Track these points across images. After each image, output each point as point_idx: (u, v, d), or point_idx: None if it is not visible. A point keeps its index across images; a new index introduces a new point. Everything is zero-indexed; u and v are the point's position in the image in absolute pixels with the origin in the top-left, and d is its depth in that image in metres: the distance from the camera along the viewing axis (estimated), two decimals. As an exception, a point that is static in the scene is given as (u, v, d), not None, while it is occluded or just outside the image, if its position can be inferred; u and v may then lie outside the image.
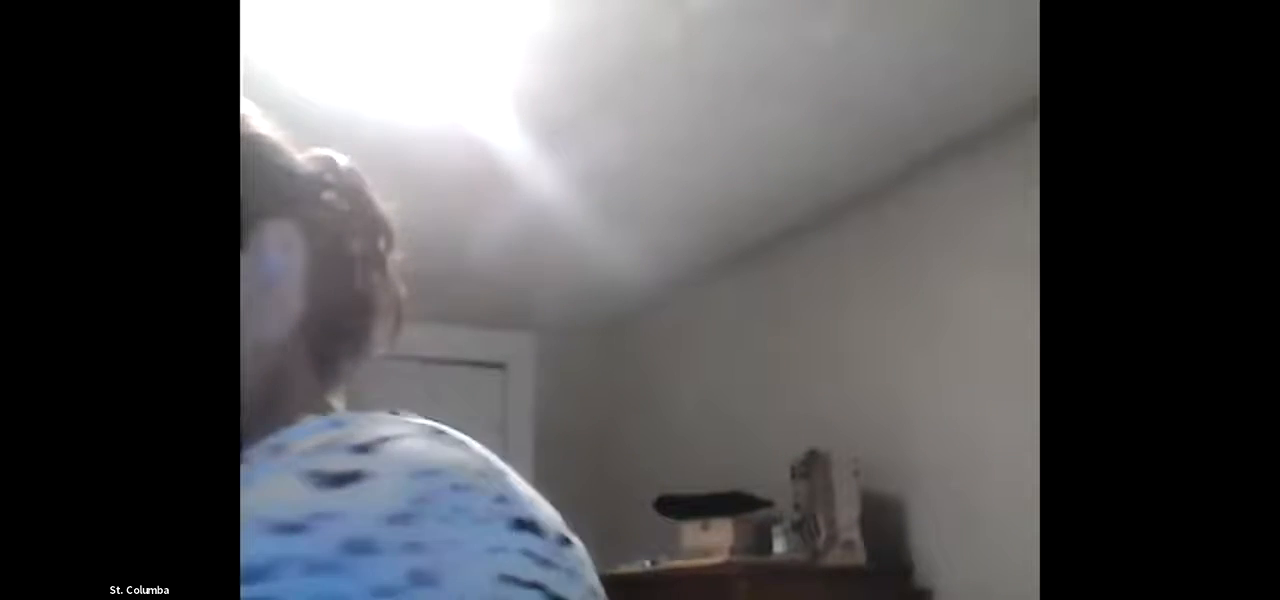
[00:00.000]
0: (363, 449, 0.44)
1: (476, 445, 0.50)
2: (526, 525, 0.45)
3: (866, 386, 2.66)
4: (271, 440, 0.45)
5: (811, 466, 2.45)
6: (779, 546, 2.49)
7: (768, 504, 2.58)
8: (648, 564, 2.64)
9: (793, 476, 2.47)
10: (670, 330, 3.48)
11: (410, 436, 0.46)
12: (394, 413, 0.52)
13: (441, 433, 0.49)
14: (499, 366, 3.77)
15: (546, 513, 0.49)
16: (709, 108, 2.25)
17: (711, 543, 2.54)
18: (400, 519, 0.40)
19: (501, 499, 0.45)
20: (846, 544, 2.39)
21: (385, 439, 0.45)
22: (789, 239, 2.95)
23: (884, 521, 2.49)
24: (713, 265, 3.18)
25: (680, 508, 2.68)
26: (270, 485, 0.41)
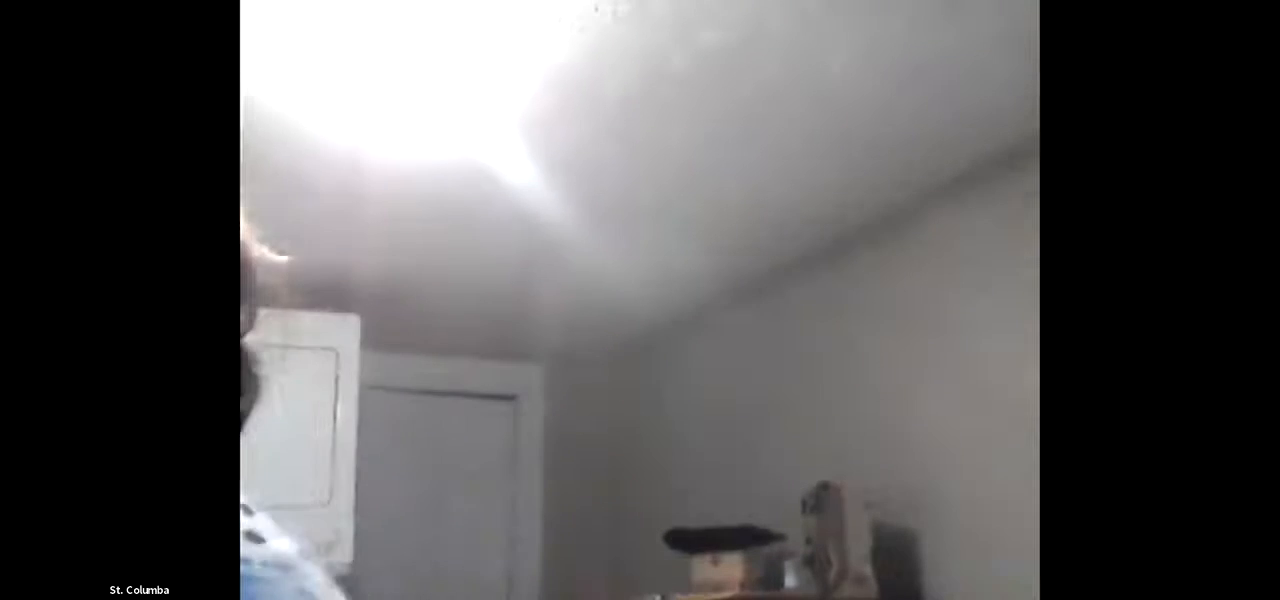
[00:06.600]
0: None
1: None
2: None
3: (878, 419, 2.64)
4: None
5: (823, 500, 2.43)
6: (790, 581, 2.47)
7: (779, 537, 2.56)
8: (658, 599, 2.62)
9: (804, 510, 2.45)
10: (679, 362, 3.47)
11: None
12: None
13: None
14: (509, 398, 3.75)
15: None
16: (717, 139, 2.26)
17: (722, 577, 2.51)
18: None
19: None
20: (858, 578, 2.36)
21: None
22: (799, 269, 2.94)
23: (897, 555, 2.46)
24: (722, 296, 3.17)
25: (691, 542, 2.66)
26: None
